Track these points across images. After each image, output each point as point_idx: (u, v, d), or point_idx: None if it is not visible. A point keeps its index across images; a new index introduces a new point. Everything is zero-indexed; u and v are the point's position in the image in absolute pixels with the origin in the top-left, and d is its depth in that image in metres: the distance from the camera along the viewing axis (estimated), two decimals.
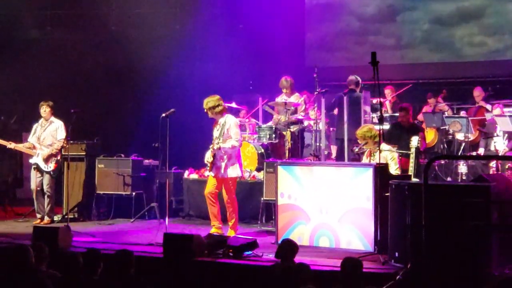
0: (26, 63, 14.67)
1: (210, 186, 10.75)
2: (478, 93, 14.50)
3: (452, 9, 16.52)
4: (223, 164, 10.63)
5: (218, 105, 10.71)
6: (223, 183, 10.71)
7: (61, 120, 12.44)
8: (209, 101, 10.69)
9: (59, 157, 12.31)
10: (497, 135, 13.15)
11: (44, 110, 12.33)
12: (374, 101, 13.27)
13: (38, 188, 12.32)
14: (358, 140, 10.74)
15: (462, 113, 14.34)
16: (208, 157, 10.68)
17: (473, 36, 16.42)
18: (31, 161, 12.37)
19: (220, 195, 10.78)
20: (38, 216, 12.33)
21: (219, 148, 10.57)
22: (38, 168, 12.30)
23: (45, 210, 12.28)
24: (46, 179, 12.28)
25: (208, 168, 10.78)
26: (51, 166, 12.28)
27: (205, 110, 10.75)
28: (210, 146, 10.68)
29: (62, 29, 15.26)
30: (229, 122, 10.72)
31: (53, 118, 12.42)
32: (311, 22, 17.40)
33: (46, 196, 12.28)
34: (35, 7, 15.27)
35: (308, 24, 17.42)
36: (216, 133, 10.71)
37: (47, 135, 12.34)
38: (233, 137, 10.65)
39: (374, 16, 17.05)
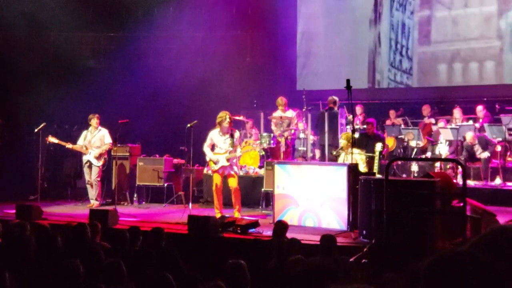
0: (84, 84, 14.70)
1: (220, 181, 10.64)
2: (426, 108, 14.55)
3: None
4: (234, 166, 10.59)
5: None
6: (231, 179, 10.58)
7: (109, 128, 12.52)
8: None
9: (106, 156, 12.42)
10: (441, 143, 13.15)
11: (95, 121, 12.41)
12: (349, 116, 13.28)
13: (90, 180, 12.36)
14: (341, 140, 10.72)
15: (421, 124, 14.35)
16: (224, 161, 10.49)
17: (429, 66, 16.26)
18: (84, 158, 12.40)
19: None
20: (91, 201, 12.36)
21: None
22: (89, 164, 12.35)
23: (94, 196, 12.32)
24: (94, 171, 12.32)
25: (216, 168, 10.51)
26: (100, 162, 12.33)
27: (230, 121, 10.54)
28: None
29: (111, 60, 15.26)
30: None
31: (100, 127, 12.49)
32: (301, 56, 17.38)
33: (94, 185, 12.32)
34: (91, 43, 15.30)
35: (298, 57, 17.40)
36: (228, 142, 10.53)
37: (96, 140, 12.40)
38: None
39: (353, 50, 16.88)
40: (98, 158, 12.31)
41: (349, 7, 17.08)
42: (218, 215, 10.18)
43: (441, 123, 13.66)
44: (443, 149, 13.02)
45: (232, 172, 10.53)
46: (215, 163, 10.47)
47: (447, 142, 13.11)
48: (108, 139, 12.40)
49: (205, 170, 13.01)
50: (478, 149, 12.66)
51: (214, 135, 10.55)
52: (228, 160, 10.42)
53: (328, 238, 6.80)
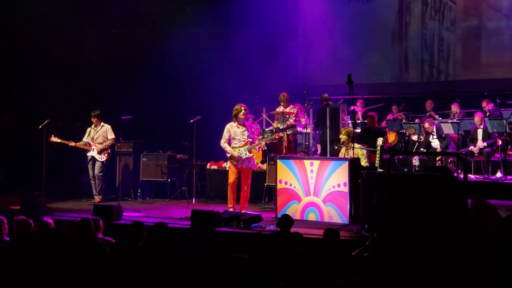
0: (88, 81, 14.65)
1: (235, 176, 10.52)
2: (429, 103, 14.51)
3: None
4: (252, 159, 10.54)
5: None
6: (248, 173, 10.51)
7: (112, 124, 12.51)
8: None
9: (109, 151, 12.46)
10: (434, 138, 13.11)
11: (96, 118, 12.43)
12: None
13: (94, 176, 12.37)
14: (341, 136, 10.69)
15: (416, 120, 14.31)
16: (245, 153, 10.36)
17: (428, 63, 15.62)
18: (88, 154, 12.45)
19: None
20: (95, 197, 12.36)
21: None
22: (92, 160, 12.37)
23: (97, 190, 12.32)
24: (97, 166, 12.35)
25: (238, 162, 10.36)
26: (103, 157, 12.36)
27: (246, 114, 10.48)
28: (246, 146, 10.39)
29: (114, 56, 15.17)
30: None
31: (102, 123, 12.50)
32: (303, 53, 17.33)
33: (96, 179, 12.32)
34: (95, 39, 15.20)
35: (300, 53, 17.36)
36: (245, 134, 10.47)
37: (99, 136, 12.44)
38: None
39: (353, 46, 16.57)
40: (100, 153, 12.33)
41: (363, 13, 15.44)
42: (231, 210, 10.18)
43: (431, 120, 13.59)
44: (435, 143, 13.01)
45: (249, 166, 10.47)
46: (236, 159, 10.34)
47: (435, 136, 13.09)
48: (111, 135, 12.45)
49: (208, 165, 13.03)
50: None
51: (232, 128, 10.44)
52: (250, 151, 10.37)
53: (331, 232, 6.78)
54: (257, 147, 10.57)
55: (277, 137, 11.64)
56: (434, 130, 13.00)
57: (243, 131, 10.42)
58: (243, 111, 10.36)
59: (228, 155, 10.46)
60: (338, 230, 6.95)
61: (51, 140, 12.29)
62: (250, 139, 10.39)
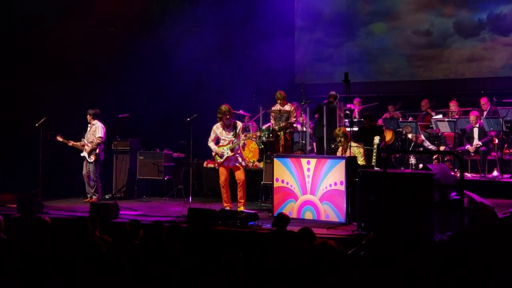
0: (85, 79, 14.62)
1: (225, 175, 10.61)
2: (424, 103, 14.53)
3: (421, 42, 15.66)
4: (238, 157, 10.55)
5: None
6: (236, 171, 10.53)
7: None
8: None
9: (97, 151, 12.22)
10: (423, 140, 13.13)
11: (88, 116, 12.35)
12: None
13: (87, 175, 12.31)
14: (336, 138, 10.74)
15: (410, 119, 14.34)
16: (228, 152, 10.44)
17: (426, 61, 15.95)
18: (81, 154, 12.33)
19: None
20: (88, 195, 12.31)
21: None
22: (85, 159, 12.31)
23: (92, 191, 12.27)
24: (91, 167, 12.25)
25: (221, 160, 10.50)
26: (92, 158, 12.21)
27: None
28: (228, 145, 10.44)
29: (112, 55, 15.13)
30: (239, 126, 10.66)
31: (94, 121, 12.37)
32: (299, 51, 17.33)
33: (91, 180, 12.26)
34: (92, 37, 15.17)
35: (297, 52, 17.35)
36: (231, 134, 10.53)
37: (89, 135, 12.31)
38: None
39: (349, 47, 16.68)
40: (89, 154, 12.21)
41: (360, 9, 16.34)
42: (227, 208, 10.18)
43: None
44: (430, 146, 13.04)
45: (237, 164, 10.48)
46: (220, 156, 10.42)
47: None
48: (98, 133, 12.26)
49: (204, 164, 13.05)
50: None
51: (218, 129, 10.53)
52: (232, 150, 10.38)
53: (305, 231, 6.69)
54: (239, 145, 10.55)
55: (254, 136, 11.96)
56: (423, 137, 13.07)
57: (228, 131, 10.45)
58: (224, 113, 10.34)
59: (213, 153, 10.54)
60: (311, 228, 6.84)
61: (56, 139, 12.29)
62: (234, 139, 10.40)
